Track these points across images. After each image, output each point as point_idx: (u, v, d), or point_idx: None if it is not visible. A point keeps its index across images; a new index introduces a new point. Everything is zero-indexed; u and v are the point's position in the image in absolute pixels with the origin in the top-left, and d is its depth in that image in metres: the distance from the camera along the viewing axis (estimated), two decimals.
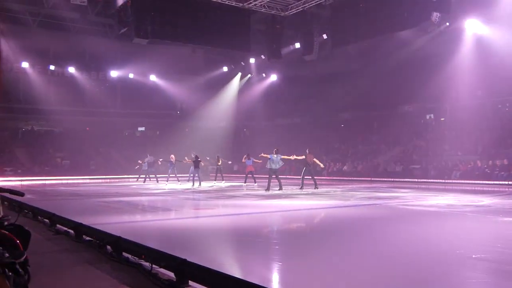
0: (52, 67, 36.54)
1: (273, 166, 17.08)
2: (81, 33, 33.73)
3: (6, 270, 2.78)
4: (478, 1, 23.43)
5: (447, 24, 23.30)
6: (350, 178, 27.33)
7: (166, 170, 25.07)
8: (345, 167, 29.85)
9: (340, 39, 22.88)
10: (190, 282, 4.09)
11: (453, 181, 23.02)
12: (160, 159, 26.28)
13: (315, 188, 17.75)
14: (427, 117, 32.39)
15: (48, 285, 4.25)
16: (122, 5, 19.90)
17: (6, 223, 3.85)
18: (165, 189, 19.87)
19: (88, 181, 28.62)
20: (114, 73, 38.37)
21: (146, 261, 4.66)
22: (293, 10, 23.55)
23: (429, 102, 31.31)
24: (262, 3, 22.69)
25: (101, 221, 8.38)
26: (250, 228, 8.53)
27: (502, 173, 21.71)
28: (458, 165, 24.22)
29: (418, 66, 31.30)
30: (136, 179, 27.29)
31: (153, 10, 20.77)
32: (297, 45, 28.90)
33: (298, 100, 39.17)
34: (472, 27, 25.04)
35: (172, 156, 24.72)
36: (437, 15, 17.57)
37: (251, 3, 22.49)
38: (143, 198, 15.31)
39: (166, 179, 24.66)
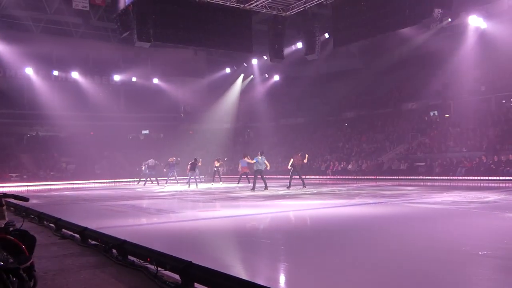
0: (55, 73, 36.77)
1: (259, 167, 18.23)
2: (84, 38, 33.92)
3: (10, 276, 2.80)
4: None
5: (449, 20, 23.26)
6: (355, 177, 27.32)
7: (167, 172, 25.30)
8: (349, 166, 29.81)
9: (342, 38, 22.80)
10: (196, 285, 4.09)
11: (458, 177, 22.96)
12: (161, 164, 26.49)
13: (303, 187, 18.67)
14: (431, 114, 32.33)
15: None
16: (123, 9, 19.95)
17: (11, 228, 3.88)
18: (169, 192, 19.91)
19: (93, 185, 28.71)
20: (117, 77, 38.56)
21: (152, 264, 4.67)
22: (294, 10, 23.54)
23: (433, 99, 31.26)
24: (263, 3, 22.70)
25: (106, 225, 8.41)
26: (255, 229, 8.53)
27: (508, 168, 21.62)
28: (463, 162, 24.14)
29: (421, 63, 31.29)
30: (137, 182, 27.44)
31: (155, 13, 20.80)
32: (299, 45, 28.92)
33: (301, 100, 39.20)
34: (475, 23, 24.97)
35: (173, 158, 24.92)
36: (438, 11, 17.46)
37: (252, 4, 22.50)
38: (148, 201, 15.35)
39: (166, 181, 24.98)
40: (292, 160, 19.28)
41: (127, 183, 28.49)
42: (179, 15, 21.35)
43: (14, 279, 2.81)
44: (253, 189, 17.89)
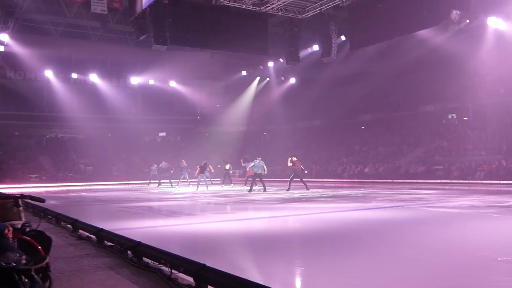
0: (74, 75, 37.26)
1: (257, 171, 19.19)
2: (102, 41, 34.35)
3: (22, 276, 2.83)
4: None
5: (467, 21, 22.93)
6: (372, 180, 27.07)
7: (179, 175, 26.02)
8: (366, 169, 29.57)
9: (358, 40, 22.67)
10: (209, 287, 4.09)
11: (477, 181, 22.59)
12: (173, 168, 27.20)
13: (306, 190, 18.99)
14: (449, 116, 31.91)
15: None
16: (141, 12, 20.13)
17: (27, 229, 3.94)
18: (184, 194, 20.06)
19: (110, 186, 29.00)
20: (134, 80, 38.92)
21: (166, 266, 4.69)
22: (310, 12, 23.48)
23: (451, 101, 30.86)
24: (278, 6, 22.70)
25: (122, 226, 8.48)
26: (270, 232, 8.50)
27: None
28: (482, 165, 23.75)
29: (439, 65, 30.91)
30: (147, 184, 27.82)
31: (172, 17, 20.96)
32: (315, 47, 28.83)
33: (318, 103, 39.03)
34: (493, 24, 24.58)
35: (183, 161, 25.69)
36: (456, 13, 17.24)
37: (268, 6, 22.52)
38: (164, 203, 15.42)
39: (177, 183, 25.86)
40: (292, 160, 19.88)
41: (143, 185, 28.72)
42: (195, 18, 21.48)
43: (26, 280, 2.84)
44: (250, 190, 18.91)
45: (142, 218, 11.10)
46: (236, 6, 22.05)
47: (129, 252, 5.53)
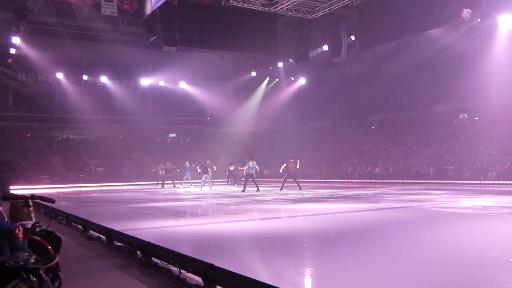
0: (85, 77, 37.50)
1: (250, 171, 20.17)
2: (112, 43, 34.53)
3: (31, 275, 2.86)
4: None
5: (479, 20, 22.68)
6: (382, 181, 26.91)
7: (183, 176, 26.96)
8: (376, 170, 29.41)
9: (368, 40, 22.55)
10: (218, 287, 4.09)
11: (489, 182, 22.36)
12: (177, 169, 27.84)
13: (299, 190, 19.61)
14: (460, 116, 31.63)
15: None
16: (150, 14, 20.24)
17: (37, 229, 3.98)
18: (192, 194, 20.22)
19: (121, 187, 29.17)
20: (144, 81, 39.10)
21: (175, 266, 4.70)
22: (319, 12, 23.41)
23: (462, 101, 30.59)
24: (288, 6, 22.66)
25: (132, 227, 8.52)
26: (280, 233, 8.48)
27: None
28: (494, 165, 23.49)
29: (450, 64, 30.63)
30: (157, 184, 28.19)
31: (181, 18, 21.04)
32: (325, 47, 28.72)
33: (328, 103, 38.90)
34: (505, 23, 24.29)
35: (187, 162, 26.58)
36: (468, 11, 17.08)
37: (277, 7, 22.49)
38: (173, 204, 15.48)
39: (181, 184, 26.79)
40: (285, 164, 20.46)
41: (154, 186, 28.87)
42: (204, 19, 21.53)
43: (34, 279, 2.87)
44: (243, 190, 19.77)
45: (151, 218, 11.15)
46: (246, 7, 22.05)
47: (138, 252, 5.56)
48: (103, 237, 6.96)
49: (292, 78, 39.09)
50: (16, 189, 22.86)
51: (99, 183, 30.91)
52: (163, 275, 4.70)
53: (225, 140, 39.81)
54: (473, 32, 25.60)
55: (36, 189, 24.82)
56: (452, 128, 30.47)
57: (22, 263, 2.91)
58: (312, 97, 38.56)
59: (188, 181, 26.24)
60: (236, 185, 25.21)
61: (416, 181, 25.18)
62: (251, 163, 20.19)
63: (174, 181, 27.37)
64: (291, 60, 30.77)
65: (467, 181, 23.34)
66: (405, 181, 25.72)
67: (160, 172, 27.32)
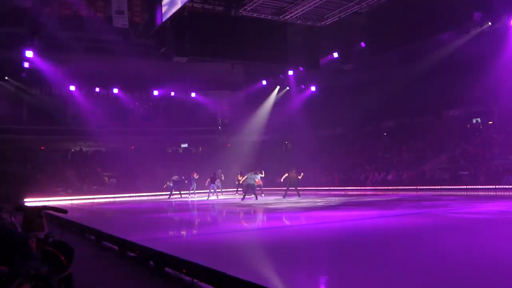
0: (97, 89, 37.92)
1: (250, 182, 21.25)
2: (124, 55, 34.82)
3: (42, 284, 2.85)
4: None
5: (489, 24, 22.52)
6: (395, 187, 26.63)
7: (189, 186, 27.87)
8: (389, 176, 29.14)
9: (378, 45, 22.51)
10: None
11: (505, 186, 22.00)
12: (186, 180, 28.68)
13: (298, 197, 20.97)
14: (474, 121, 31.25)
15: None
16: (161, 25, 20.44)
17: (50, 239, 3.98)
18: (205, 204, 20.22)
19: (134, 198, 29.34)
20: (156, 92, 39.38)
21: (187, 275, 4.68)
22: (329, 20, 23.43)
23: (476, 105, 30.23)
24: (297, 15, 22.72)
25: (145, 237, 8.50)
26: (293, 241, 8.41)
27: None
28: (510, 170, 23.13)
29: (462, 68, 30.35)
30: (168, 196, 28.57)
31: (191, 29, 21.21)
32: (335, 54, 28.70)
33: (339, 110, 38.73)
34: None
35: (195, 173, 27.33)
36: (478, 15, 16.99)
37: (286, 16, 22.57)
38: (185, 214, 15.48)
39: (188, 194, 27.61)
40: (286, 174, 21.75)
41: (165, 197, 28.96)
42: (215, 29, 21.68)
43: None
44: (243, 199, 20.85)
45: (164, 228, 11.15)
46: (255, 16, 22.17)
47: (151, 262, 5.55)
48: (116, 247, 6.97)
49: (303, 86, 39.05)
50: (31, 201, 23.07)
51: (112, 194, 31.06)
52: (176, 284, 4.68)
53: (237, 149, 39.81)
54: (484, 35, 25.42)
55: (51, 201, 25.05)
56: (466, 132, 30.11)
57: (34, 272, 2.91)
58: (323, 104, 38.45)
59: (193, 191, 27.20)
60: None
61: (430, 187, 24.85)
62: (249, 174, 21.53)
63: (181, 192, 28.20)
64: (301, 68, 30.79)
65: (482, 186, 22.98)
66: (418, 187, 25.42)
67: (168, 183, 27.94)
